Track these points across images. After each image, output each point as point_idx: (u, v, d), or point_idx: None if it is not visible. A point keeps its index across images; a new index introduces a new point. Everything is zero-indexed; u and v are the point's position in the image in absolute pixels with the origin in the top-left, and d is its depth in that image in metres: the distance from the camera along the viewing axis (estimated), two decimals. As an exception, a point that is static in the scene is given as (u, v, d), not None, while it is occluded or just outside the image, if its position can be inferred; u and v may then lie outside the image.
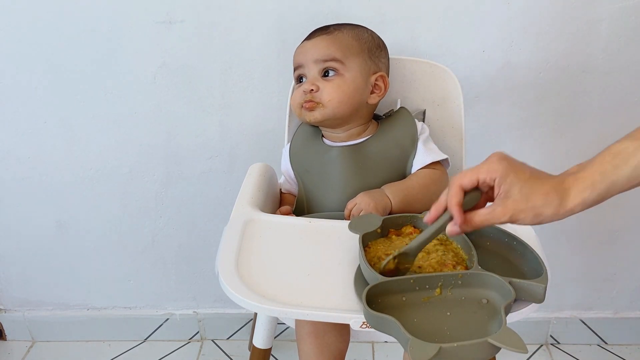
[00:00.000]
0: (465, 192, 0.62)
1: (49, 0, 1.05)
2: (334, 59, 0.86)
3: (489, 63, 1.07)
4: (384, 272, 0.63)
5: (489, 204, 0.63)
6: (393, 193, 0.82)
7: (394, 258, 0.64)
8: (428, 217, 0.64)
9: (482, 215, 0.61)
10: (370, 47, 0.90)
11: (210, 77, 1.11)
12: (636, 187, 0.59)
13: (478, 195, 0.62)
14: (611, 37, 1.04)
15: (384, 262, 0.64)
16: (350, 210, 0.81)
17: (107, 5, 1.05)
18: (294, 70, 0.91)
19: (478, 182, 0.61)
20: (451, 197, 0.61)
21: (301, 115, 0.89)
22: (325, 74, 0.87)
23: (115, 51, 1.09)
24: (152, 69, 1.11)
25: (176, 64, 1.10)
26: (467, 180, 0.61)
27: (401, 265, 0.65)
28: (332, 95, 0.85)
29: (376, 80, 0.89)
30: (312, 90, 0.86)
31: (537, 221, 0.60)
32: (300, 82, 0.90)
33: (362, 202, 0.80)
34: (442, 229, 0.63)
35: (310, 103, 0.86)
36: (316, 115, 0.87)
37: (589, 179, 0.59)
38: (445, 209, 0.63)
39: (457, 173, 0.64)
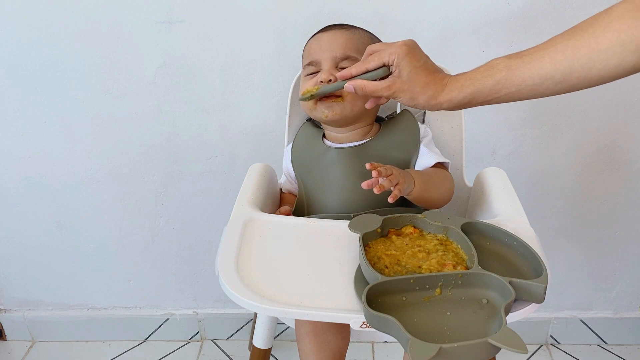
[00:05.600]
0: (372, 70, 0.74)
1: (49, 0, 1.05)
2: (352, 56, 0.86)
3: (489, 63, 1.07)
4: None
5: None
6: (415, 175, 0.80)
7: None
8: (339, 74, 0.76)
9: (373, 84, 0.73)
10: None
11: (210, 77, 1.11)
12: (499, 100, 0.67)
13: (384, 72, 0.73)
14: (611, 37, 1.04)
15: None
16: (378, 171, 0.73)
17: (107, 5, 1.05)
18: (306, 64, 0.89)
19: (384, 63, 0.72)
20: (356, 68, 0.74)
21: (316, 110, 0.86)
22: (342, 69, 0.85)
23: (115, 51, 1.09)
24: (152, 69, 1.11)
25: (176, 64, 1.10)
26: (374, 63, 0.73)
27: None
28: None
29: None
30: (331, 80, 0.84)
31: (412, 104, 0.71)
32: (312, 74, 0.87)
33: (388, 169, 0.74)
34: (340, 87, 0.77)
35: (331, 96, 0.84)
36: (335, 111, 0.85)
37: (461, 81, 0.68)
38: (352, 77, 0.75)
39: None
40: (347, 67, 0.83)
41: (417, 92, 0.70)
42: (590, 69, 0.59)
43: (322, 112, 0.85)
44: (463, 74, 0.69)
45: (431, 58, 0.99)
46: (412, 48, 0.71)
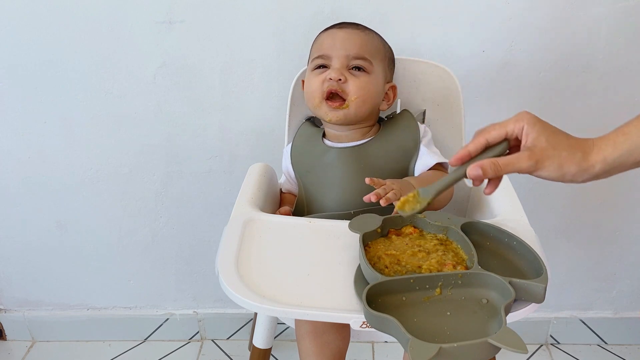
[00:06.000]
0: (491, 146, 0.62)
1: (49, 0, 1.05)
2: (364, 57, 0.85)
3: (489, 63, 1.07)
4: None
5: None
6: (418, 183, 0.80)
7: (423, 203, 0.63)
8: (452, 159, 0.64)
9: (507, 159, 0.61)
10: (390, 57, 0.92)
11: (210, 77, 1.11)
12: None
13: (505, 147, 0.63)
14: (611, 37, 1.04)
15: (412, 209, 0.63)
16: (379, 194, 0.72)
17: (107, 5, 1.05)
18: (316, 57, 0.88)
19: (506, 135, 0.62)
20: (473, 144, 0.62)
21: (320, 109, 0.86)
22: (352, 69, 0.85)
23: (115, 51, 1.09)
24: (152, 69, 1.11)
25: (176, 64, 1.10)
26: (495, 134, 0.62)
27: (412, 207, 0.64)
28: (359, 92, 0.84)
29: (388, 89, 0.90)
30: (340, 80, 0.84)
31: (560, 172, 0.60)
32: (320, 69, 0.87)
33: (389, 186, 0.74)
34: (464, 174, 0.62)
35: (338, 100, 0.84)
36: (339, 115, 0.85)
37: (612, 139, 0.60)
38: (471, 158, 0.63)
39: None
40: (359, 67, 0.83)
41: (564, 158, 0.59)
42: None
43: (326, 113, 0.86)
44: (610, 132, 0.61)
45: (431, 58, 1.00)
46: (536, 116, 0.62)
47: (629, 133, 0.58)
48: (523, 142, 0.61)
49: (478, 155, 0.63)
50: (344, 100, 0.85)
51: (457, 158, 0.63)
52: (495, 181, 0.65)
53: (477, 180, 0.62)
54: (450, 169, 0.85)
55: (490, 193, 0.65)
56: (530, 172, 0.61)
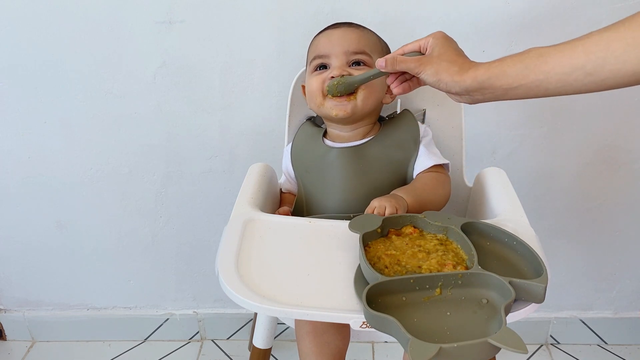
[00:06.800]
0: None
1: (49, 0, 1.05)
2: (364, 52, 0.86)
3: (489, 63, 1.07)
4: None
5: None
6: (407, 194, 0.80)
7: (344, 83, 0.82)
8: (377, 62, 0.75)
9: (402, 58, 0.73)
10: (387, 51, 0.92)
11: (210, 77, 1.11)
12: (523, 90, 0.64)
13: (416, 55, 0.74)
14: (611, 37, 1.04)
15: (338, 84, 0.82)
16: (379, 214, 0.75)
17: (107, 5, 1.05)
18: (314, 58, 0.88)
19: (419, 47, 0.74)
20: (391, 53, 0.75)
21: (324, 106, 0.86)
22: (353, 65, 0.85)
23: (115, 51, 1.09)
24: (152, 69, 1.11)
25: (176, 64, 1.10)
26: (411, 46, 0.74)
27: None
28: (364, 84, 0.84)
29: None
30: (343, 76, 0.83)
31: (435, 79, 0.69)
32: (320, 70, 0.87)
33: (381, 204, 0.75)
34: (377, 73, 0.77)
35: (344, 96, 0.84)
36: (347, 110, 0.84)
37: (489, 63, 0.66)
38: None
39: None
40: (360, 61, 0.85)
41: (442, 67, 0.69)
42: (625, 62, 0.56)
43: (331, 109, 0.85)
44: (493, 60, 0.68)
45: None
46: (448, 36, 0.73)
47: (504, 61, 0.65)
48: (425, 52, 0.73)
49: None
50: (350, 93, 0.84)
51: (379, 62, 0.75)
52: (404, 85, 0.77)
53: (394, 81, 0.77)
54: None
55: (398, 93, 0.78)
56: (415, 74, 0.72)
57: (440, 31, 0.74)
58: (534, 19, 1.03)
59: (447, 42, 0.72)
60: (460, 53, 0.72)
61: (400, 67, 0.73)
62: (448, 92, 0.70)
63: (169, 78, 1.12)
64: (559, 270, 1.29)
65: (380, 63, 0.75)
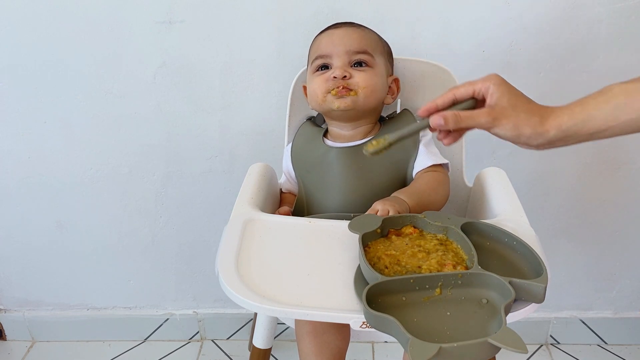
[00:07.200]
0: (459, 102, 0.66)
1: (49, 0, 1.05)
2: (366, 52, 0.86)
3: (489, 63, 1.07)
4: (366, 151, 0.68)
5: None
6: (407, 196, 0.80)
7: (383, 147, 0.67)
8: (420, 110, 0.67)
9: (468, 113, 0.64)
10: (388, 51, 0.92)
11: (210, 77, 1.11)
12: (613, 130, 0.60)
13: (472, 104, 0.66)
14: (611, 37, 1.04)
15: (375, 149, 0.67)
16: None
17: (107, 5, 1.05)
18: (315, 58, 0.88)
19: (474, 92, 0.65)
20: (442, 98, 0.66)
21: (325, 102, 0.86)
22: (355, 65, 0.85)
23: (115, 51, 1.09)
24: (152, 69, 1.11)
25: (176, 64, 1.10)
26: (463, 90, 0.65)
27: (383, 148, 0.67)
28: (367, 82, 0.84)
29: (391, 82, 0.91)
30: (345, 77, 0.84)
31: (515, 133, 0.62)
32: (322, 70, 0.87)
33: (383, 207, 0.75)
34: (427, 125, 0.66)
35: (345, 89, 0.84)
36: (347, 102, 0.84)
37: (570, 108, 0.62)
38: (437, 111, 0.66)
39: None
40: (362, 62, 0.83)
41: (521, 120, 0.62)
42: None
43: (333, 102, 0.85)
44: (570, 103, 0.63)
45: (431, 58, 1.00)
46: (503, 79, 0.65)
47: (586, 104, 0.60)
48: (487, 101, 0.64)
49: (445, 109, 0.66)
50: (352, 89, 0.84)
51: (425, 109, 0.66)
52: (455, 134, 0.68)
53: (441, 133, 0.67)
54: (450, 174, 0.87)
55: (448, 144, 0.68)
56: (487, 129, 0.64)
57: (496, 75, 0.66)
58: (534, 19, 1.03)
59: (511, 87, 0.65)
60: (529, 99, 0.65)
61: (467, 124, 0.64)
62: (527, 144, 0.64)
63: (169, 78, 1.12)
64: (559, 270, 1.29)
65: (439, 121, 0.64)
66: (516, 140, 0.64)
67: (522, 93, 0.65)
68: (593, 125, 0.60)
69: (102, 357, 1.38)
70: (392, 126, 0.91)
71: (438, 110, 0.66)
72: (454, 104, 0.66)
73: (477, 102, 0.66)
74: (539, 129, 0.62)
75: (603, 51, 1.05)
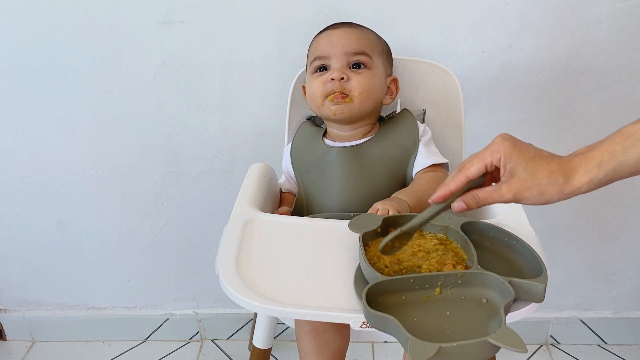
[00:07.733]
0: (472, 180, 0.63)
1: (49, 0, 1.05)
2: (364, 53, 0.86)
3: (489, 63, 1.07)
4: (383, 251, 0.65)
5: (494, 184, 0.64)
6: (408, 196, 0.80)
7: (395, 237, 0.65)
8: (434, 197, 0.64)
9: (487, 192, 0.62)
10: (387, 50, 0.92)
11: (210, 77, 1.11)
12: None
13: (482, 178, 0.63)
14: (611, 37, 1.04)
15: (385, 240, 0.65)
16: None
17: (107, 5, 1.05)
18: (314, 59, 0.88)
19: (485, 169, 0.62)
20: (454, 182, 0.63)
21: (323, 107, 0.86)
22: (353, 66, 0.85)
23: (115, 51, 1.09)
24: (152, 69, 1.11)
25: (176, 64, 1.10)
26: (474, 169, 0.62)
27: (399, 243, 0.66)
28: (363, 87, 0.84)
29: (390, 83, 0.91)
30: (343, 79, 0.84)
31: (542, 200, 0.59)
32: (320, 71, 0.87)
33: (383, 207, 0.76)
34: (445, 208, 0.64)
35: (341, 95, 0.84)
36: (343, 109, 0.85)
37: (597, 158, 0.58)
38: (452, 195, 0.63)
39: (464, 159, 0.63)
40: (360, 63, 0.83)
41: (544, 186, 0.59)
42: None
43: (330, 109, 0.85)
44: (592, 149, 0.59)
45: (431, 58, 1.00)
46: (513, 141, 0.62)
47: (614, 152, 0.57)
48: (502, 173, 0.61)
49: (459, 191, 0.63)
50: (347, 95, 0.85)
51: (440, 196, 0.64)
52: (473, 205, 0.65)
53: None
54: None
55: (461, 211, 0.65)
56: (511, 203, 0.61)
57: (502, 138, 0.62)
58: (534, 19, 1.03)
59: (523, 149, 0.61)
60: (546, 157, 0.60)
61: (489, 203, 0.62)
62: (559, 201, 0.61)
63: (169, 78, 1.12)
64: (558, 270, 1.29)
65: (461, 205, 0.63)
66: (546, 204, 0.60)
67: (535, 150, 0.61)
68: (624, 171, 0.58)
69: (102, 357, 1.38)
70: (392, 126, 0.91)
71: (453, 195, 0.63)
72: (468, 182, 0.64)
73: (487, 174, 0.63)
74: (567, 189, 0.59)
75: (603, 51, 1.05)
